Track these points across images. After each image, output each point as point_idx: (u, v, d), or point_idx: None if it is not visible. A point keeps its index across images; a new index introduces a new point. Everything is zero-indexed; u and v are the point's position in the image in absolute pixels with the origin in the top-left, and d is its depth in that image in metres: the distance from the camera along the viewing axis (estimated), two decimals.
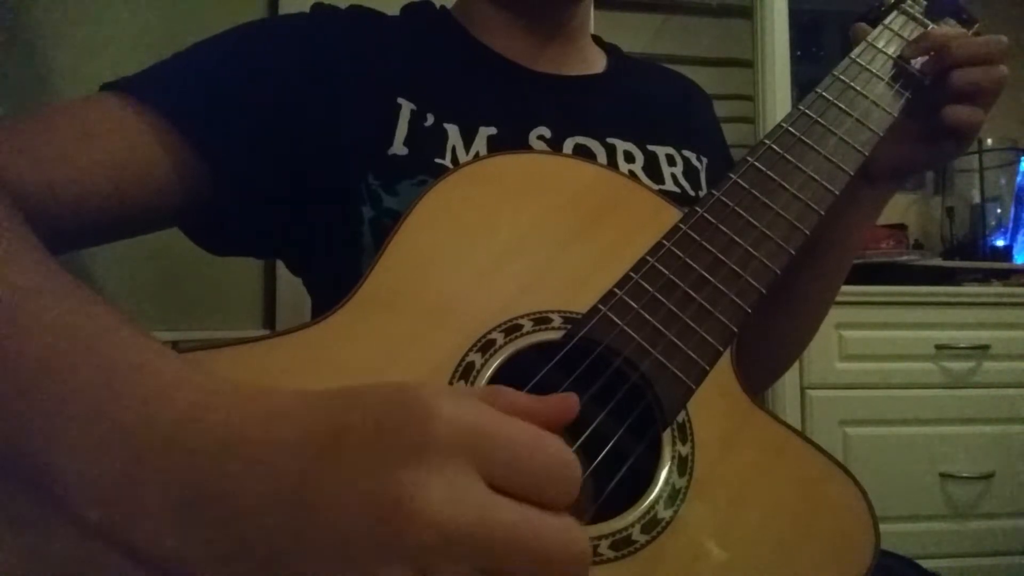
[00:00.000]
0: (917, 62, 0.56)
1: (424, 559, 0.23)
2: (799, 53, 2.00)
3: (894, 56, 0.56)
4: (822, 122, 0.51)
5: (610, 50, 0.73)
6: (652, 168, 0.62)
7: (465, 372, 0.39)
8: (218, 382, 0.30)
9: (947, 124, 0.55)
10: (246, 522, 0.25)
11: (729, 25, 2.13)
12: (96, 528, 0.26)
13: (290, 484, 0.25)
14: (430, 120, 0.57)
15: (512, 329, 0.41)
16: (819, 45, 2.15)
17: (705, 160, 0.68)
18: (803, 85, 1.88)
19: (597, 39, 0.74)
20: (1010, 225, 1.93)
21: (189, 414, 0.28)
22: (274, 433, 0.27)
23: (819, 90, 0.53)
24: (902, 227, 1.97)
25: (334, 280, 0.55)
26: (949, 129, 0.55)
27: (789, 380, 1.53)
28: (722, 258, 0.45)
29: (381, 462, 0.24)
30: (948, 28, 0.57)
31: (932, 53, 0.55)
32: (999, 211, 1.95)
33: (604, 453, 0.38)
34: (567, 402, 0.30)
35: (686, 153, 0.66)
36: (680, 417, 0.41)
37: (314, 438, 0.26)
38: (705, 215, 0.46)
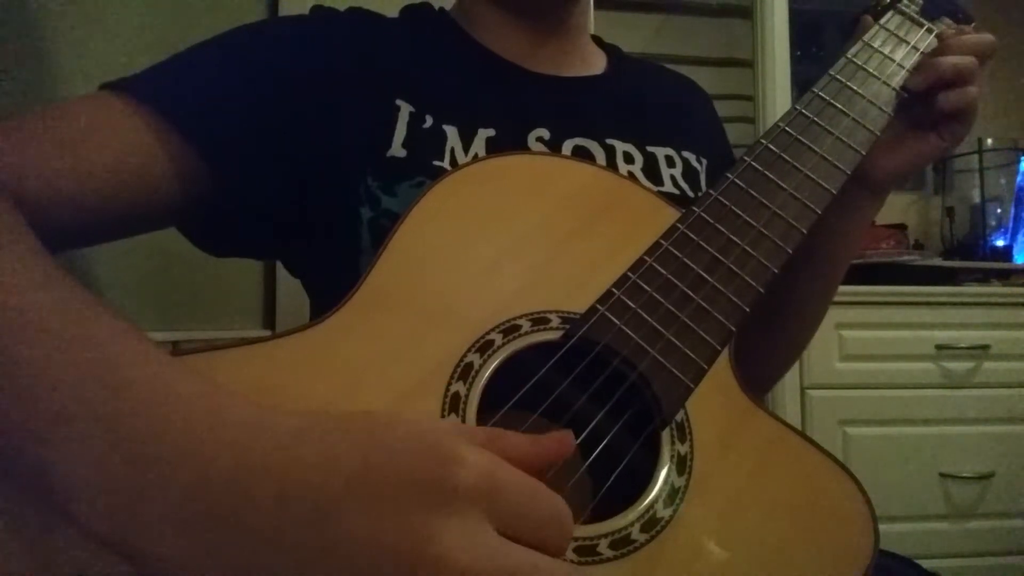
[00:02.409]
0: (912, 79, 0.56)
1: None
2: (799, 53, 2.00)
3: (889, 55, 0.56)
4: (819, 121, 0.52)
5: (610, 51, 0.73)
6: (651, 169, 0.62)
7: (464, 373, 0.39)
8: (230, 396, 0.30)
9: (946, 109, 0.55)
10: (260, 540, 0.25)
11: (729, 25, 2.13)
12: (98, 533, 0.27)
13: (312, 510, 0.25)
14: (428, 122, 0.57)
15: (511, 329, 0.41)
16: (819, 45, 2.14)
17: (705, 161, 0.68)
18: (803, 85, 1.88)
19: (597, 39, 0.74)
20: (1010, 225, 1.93)
21: (201, 426, 0.28)
22: (295, 457, 0.27)
23: (816, 89, 0.53)
24: (902, 227, 1.97)
25: (333, 281, 0.55)
26: (950, 113, 0.55)
27: (789, 380, 1.53)
28: (720, 258, 0.45)
29: (406, 503, 0.25)
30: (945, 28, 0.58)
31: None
32: (999, 211, 1.95)
33: (603, 452, 0.38)
34: (563, 441, 0.31)
35: (685, 154, 0.66)
36: (679, 416, 0.41)
37: (338, 468, 0.26)
38: (703, 215, 0.46)
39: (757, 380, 0.69)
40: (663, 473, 0.39)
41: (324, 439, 0.27)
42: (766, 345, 0.66)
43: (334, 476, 0.26)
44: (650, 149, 0.63)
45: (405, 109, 0.57)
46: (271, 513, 0.26)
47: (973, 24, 0.60)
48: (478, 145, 0.57)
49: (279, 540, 0.25)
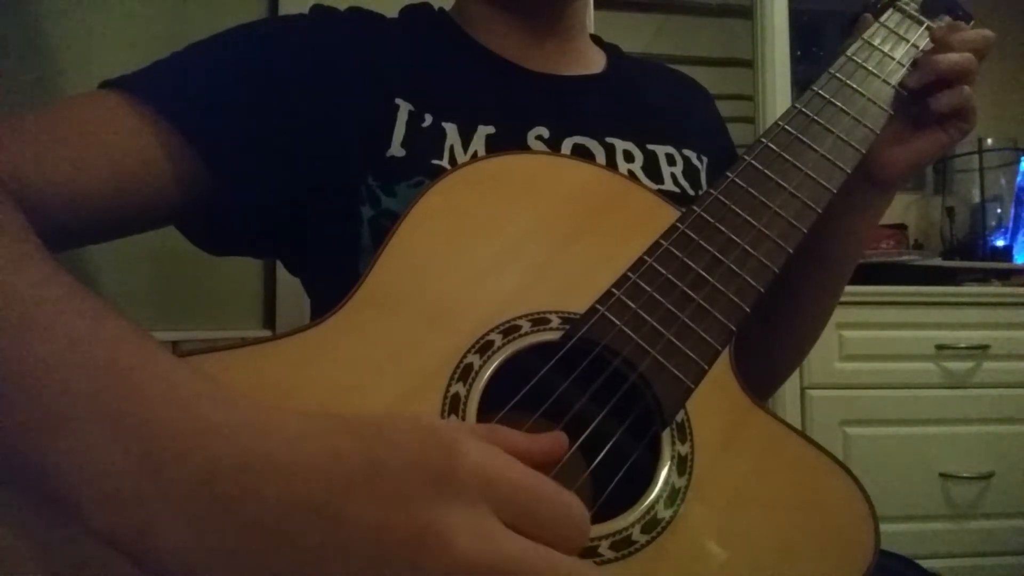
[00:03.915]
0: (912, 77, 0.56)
1: None
2: (799, 53, 2.00)
3: (889, 53, 0.56)
4: (819, 120, 0.52)
5: (610, 50, 0.73)
6: (651, 168, 0.62)
7: (464, 373, 0.39)
8: (235, 396, 0.30)
9: (941, 111, 0.55)
10: (267, 535, 0.26)
11: (729, 25, 2.13)
12: (106, 532, 0.27)
13: (319, 503, 0.26)
14: (428, 121, 0.57)
15: (510, 330, 0.41)
16: (819, 45, 2.14)
17: (705, 159, 0.68)
18: (803, 85, 1.87)
19: (597, 39, 0.74)
20: (1010, 225, 1.93)
21: (208, 427, 0.28)
22: (300, 452, 0.27)
23: (815, 88, 0.53)
24: (902, 227, 1.97)
25: (333, 281, 0.55)
26: (946, 113, 0.56)
27: (789, 380, 1.52)
28: (720, 257, 0.45)
29: (411, 494, 0.26)
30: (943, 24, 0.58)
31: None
32: (999, 211, 1.95)
33: (604, 453, 0.38)
34: (557, 441, 0.32)
35: (686, 152, 0.66)
36: (679, 417, 0.41)
37: (344, 463, 0.27)
38: (703, 214, 0.46)
39: (764, 382, 0.69)
40: (663, 474, 0.38)
41: (328, 436, 0.28)
42: (773, 346, 0.67)
43: (338, 469, 0.27)
44: (650, 147, 0.63)
45: (404, 108, 0.56)
46: (277, 507, 0.26)
47: (972, 22, 0.59)
48: (477, 142, 0.56)
49: (285, 533, 0.26)
